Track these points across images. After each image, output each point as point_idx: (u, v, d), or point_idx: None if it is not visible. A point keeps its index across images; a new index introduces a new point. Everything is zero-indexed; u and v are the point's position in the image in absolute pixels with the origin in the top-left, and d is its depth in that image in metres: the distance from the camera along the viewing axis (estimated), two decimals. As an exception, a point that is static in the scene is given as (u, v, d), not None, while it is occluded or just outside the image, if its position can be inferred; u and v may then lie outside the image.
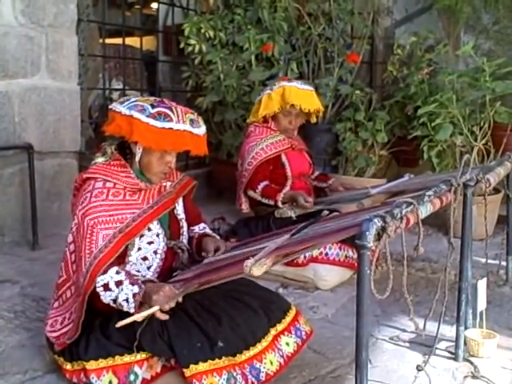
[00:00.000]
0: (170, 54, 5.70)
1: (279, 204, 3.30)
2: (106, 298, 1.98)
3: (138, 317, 1.91)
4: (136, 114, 2.02)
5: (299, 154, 3.59)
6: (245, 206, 3.52)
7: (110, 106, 2.14)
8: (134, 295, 1.93)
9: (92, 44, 4.73)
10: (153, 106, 2.05)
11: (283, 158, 3.46)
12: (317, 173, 3.77)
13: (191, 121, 2.08)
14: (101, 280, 1.97)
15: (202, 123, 2.15)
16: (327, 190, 3.69)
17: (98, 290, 1.98)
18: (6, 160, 3.73)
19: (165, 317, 1.92)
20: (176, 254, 2.24)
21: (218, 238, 2.39)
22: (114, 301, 1.96)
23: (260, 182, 3.36)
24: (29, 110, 3.84)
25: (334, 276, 3.19)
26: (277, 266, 3.00)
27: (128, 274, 2.01)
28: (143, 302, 1.94)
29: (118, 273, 1.99)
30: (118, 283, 1.96)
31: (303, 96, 3.40)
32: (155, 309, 1.89)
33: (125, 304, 1.94)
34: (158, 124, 2.01)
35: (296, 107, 3.38)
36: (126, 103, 2.08)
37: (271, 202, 3.33)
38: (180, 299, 1.96)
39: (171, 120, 2.03)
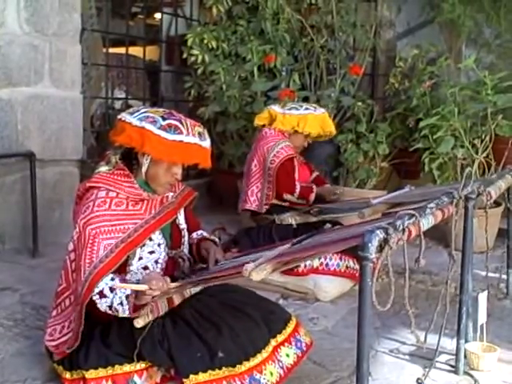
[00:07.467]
0: (172, 63, 5.73)
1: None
2: (102, 305, 1.96)
3: (128, 286, 1.91)
4: (148, 126, 2.02)
5: (302, 164, 3.66)
6: (260, 205, 3.49)
7: (119, 116, 2.13)
8: (127, 297, 1.91)
9: (95, 53, 4.76)
10: (163, 118, 2.04)
11: (295, 162, 3.53)
12: (314, 174, 3.78)
13: (199, 134, 2.08)
14: (96, 288, 1.95)
15: (208, 136, 2.15)
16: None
17: (94, 298, 1.96)
18: (7, 167, 3.74)
19: (155, 292, 1.87)
20: (177, 264, 2.24)
21: (216, 240, 2.38)
22: (110, 307, 1.95)
23: (295, 185, 3.45)
24: (31, 117, 3.85)
25: (334, 287, 3.18)
26: (277, 276, 3.06)
27: (122, 279, 2.00)
28: (137, 305, 1.92)
29: (112, 279, 1.97)
30: (112, 289, 1.95)
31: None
32: (143, 287, 1.87)
33: (120, 308, 1.92)
34: (169, 136, 2.01)
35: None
36: (136, 114, 2.07)
37: (304, 202, 3.45)
38: (177, 302, 1.94)
39: (181, 133, 2.03)
